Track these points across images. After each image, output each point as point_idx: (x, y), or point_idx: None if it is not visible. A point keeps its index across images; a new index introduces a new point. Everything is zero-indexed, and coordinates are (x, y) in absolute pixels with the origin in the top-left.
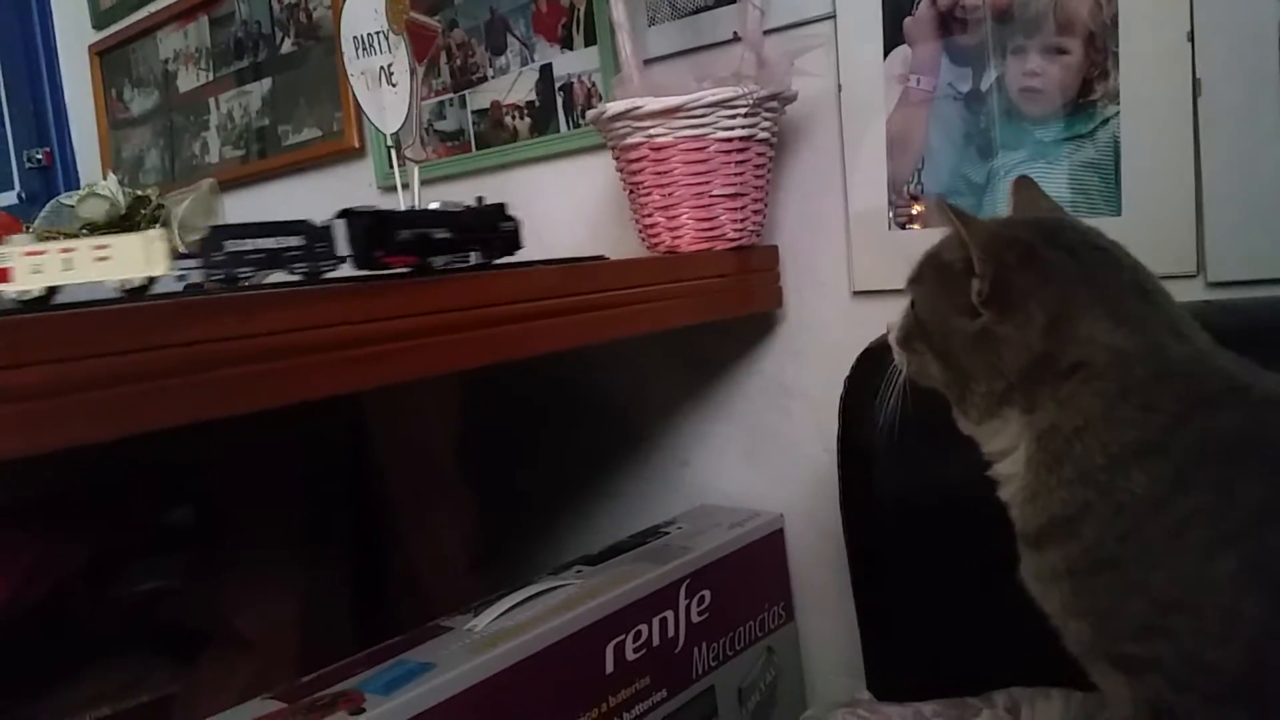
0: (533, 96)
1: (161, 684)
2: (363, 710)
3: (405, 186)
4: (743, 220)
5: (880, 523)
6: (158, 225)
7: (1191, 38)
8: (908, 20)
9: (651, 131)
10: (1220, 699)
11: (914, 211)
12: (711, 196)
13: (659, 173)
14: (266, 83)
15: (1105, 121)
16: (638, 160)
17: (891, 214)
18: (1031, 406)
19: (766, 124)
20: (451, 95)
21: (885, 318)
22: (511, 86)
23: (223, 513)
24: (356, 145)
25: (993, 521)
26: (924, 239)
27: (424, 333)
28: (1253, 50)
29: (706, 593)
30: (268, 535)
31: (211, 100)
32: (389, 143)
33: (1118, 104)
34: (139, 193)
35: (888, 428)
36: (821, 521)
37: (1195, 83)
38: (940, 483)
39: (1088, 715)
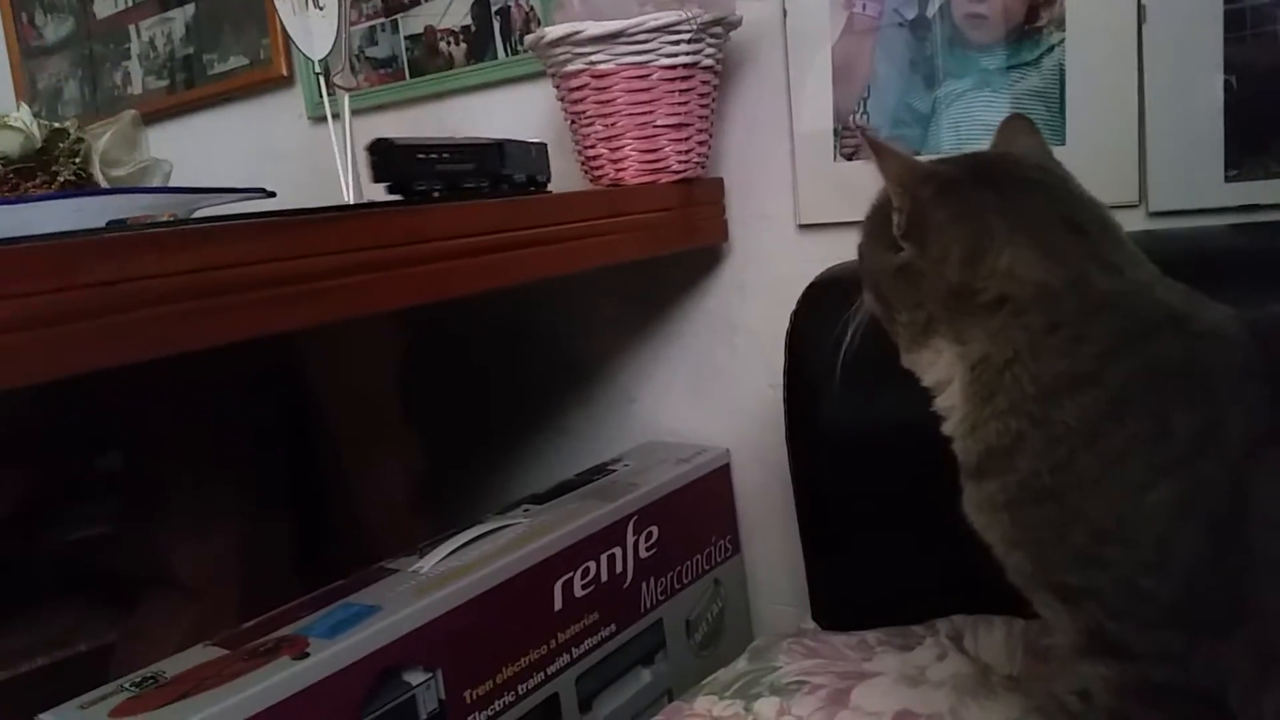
0: (468, 21)
1: (99, 632)
2: (306, 655)
3: (336, 117)
4: (687, 152)
5: (825, 456)
6: (76, 159)
7: None
8: None
9: (593, 58)
10: (1157, 624)
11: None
12: (655, 127)
13: (601, 102)
14: (190, 8)
15: (1050, 49)
16: (579, 89)
17: (837, 145)
18: (962, 338)
19: (711, 51)
20: (383, 20)
21: (830, 251)
22: (446, 10)
23: (159, 456)
24: (285, 74)
25: (934, 454)
26: (870, 171)
27: (356, 270)
28: None
29: (654, 528)
30: (205, 479)
31: (132, 27)
32: (317, 70)
33: (1063, 31)
34: (56, 125)
35: (849, 363)
36: (767, 455)
37: (1140, 9)
38: (884, 417)
39: (1029, 642)
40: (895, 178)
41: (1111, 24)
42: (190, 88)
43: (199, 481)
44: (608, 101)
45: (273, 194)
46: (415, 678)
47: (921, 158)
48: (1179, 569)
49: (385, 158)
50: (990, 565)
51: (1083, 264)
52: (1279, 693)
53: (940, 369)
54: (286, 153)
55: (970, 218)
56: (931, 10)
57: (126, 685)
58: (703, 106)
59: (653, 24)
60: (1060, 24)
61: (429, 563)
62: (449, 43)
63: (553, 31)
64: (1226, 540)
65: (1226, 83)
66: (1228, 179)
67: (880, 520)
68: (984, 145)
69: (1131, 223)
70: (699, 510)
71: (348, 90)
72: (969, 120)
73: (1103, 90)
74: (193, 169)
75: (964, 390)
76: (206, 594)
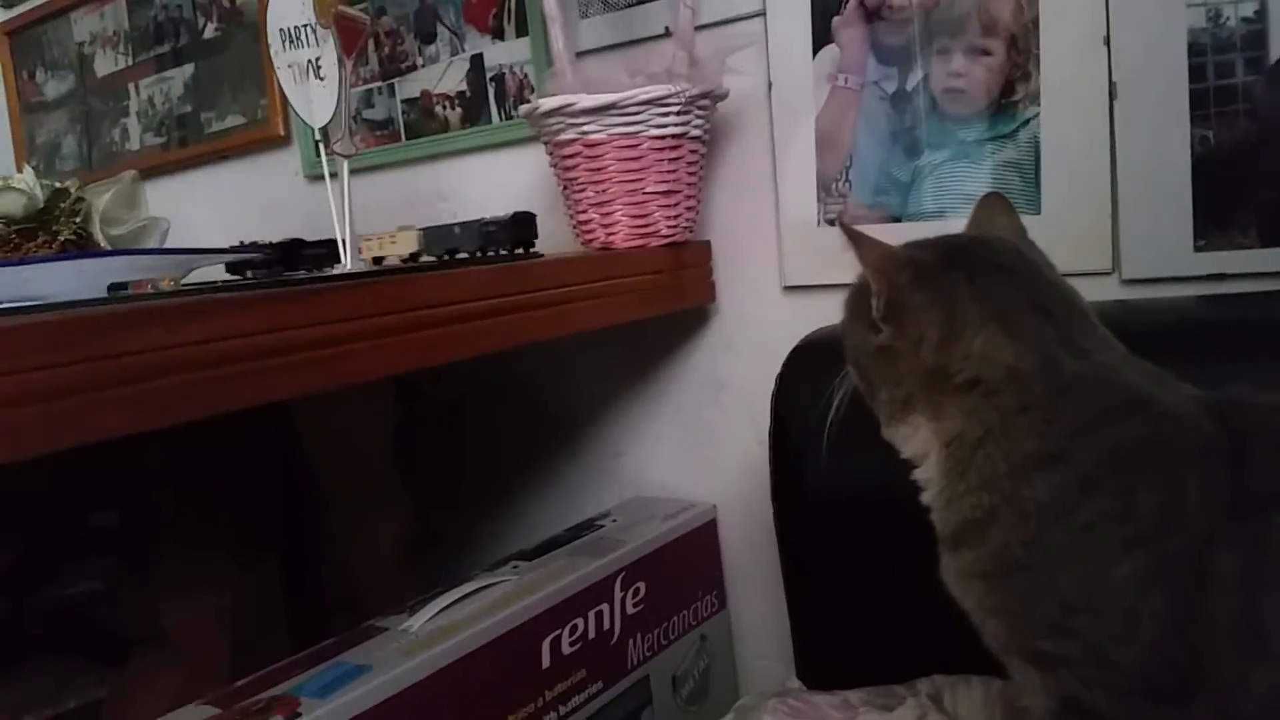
0: (463, 86)
1: (88, 689)
2: (298, 714)
3: (334, 176)
4: (676, 217)
5: (810, 516)
6: (77, 219)
7: (1108, 42)
8: (836, 19)
9: (585, 128)
10: (1125, 692)
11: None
12: (645, 194)
13: (593, 169)
14: (189, 68)
15: (1026, 122)
16: (571, 156)
17: (821, 211)
18: (938, 415)
19: (699, 122)
20: (380, 83)
21: (815, 312)
22: (442, 76)
23: (150, 514)
24: (282, 133)
25: (917, 517)
26: None
27: (353, 338)
28: (1164, 55)
29: (641, 584)
30: (196, 537)
31: (131, 85)
32: (317, 136)
33: (1038, 105)
34: (58, 185)
35: (836, 428)
36: (754, 511)
37: (1111, 85)
38: (869, 479)
39: (1007, 702)
40: (873, 265)
41: (1084, 100)
42: (186, 145)
43: (190, 539)
44: (599, 169)
45: (268, 254)
46: None
47: (901, 224)
48: (1145, 639)
49: (523, 228)
50: (969, 626)
51: (1051, 348)
52: None
53: (917, 443)
54: (282, 210)
55: (945, 303)
56: (912, 84)
57: None
58: (691, 174)
59: (643, 97)
60: (1035, 98)
61: (418, 621)
62: (444, 107)
63: (547, 103)
64: (1188, 612)
65: (1193, 158)
66: (1197, 249)
67: (864, 580)
68: (961, 214)
69: (1105, 290)
70: (686, 566)
71: (347, 156)
72: (948, 190)
73: (1076, 162)
74: (189, 226)
75: (940, 464)
76: (197, 652)
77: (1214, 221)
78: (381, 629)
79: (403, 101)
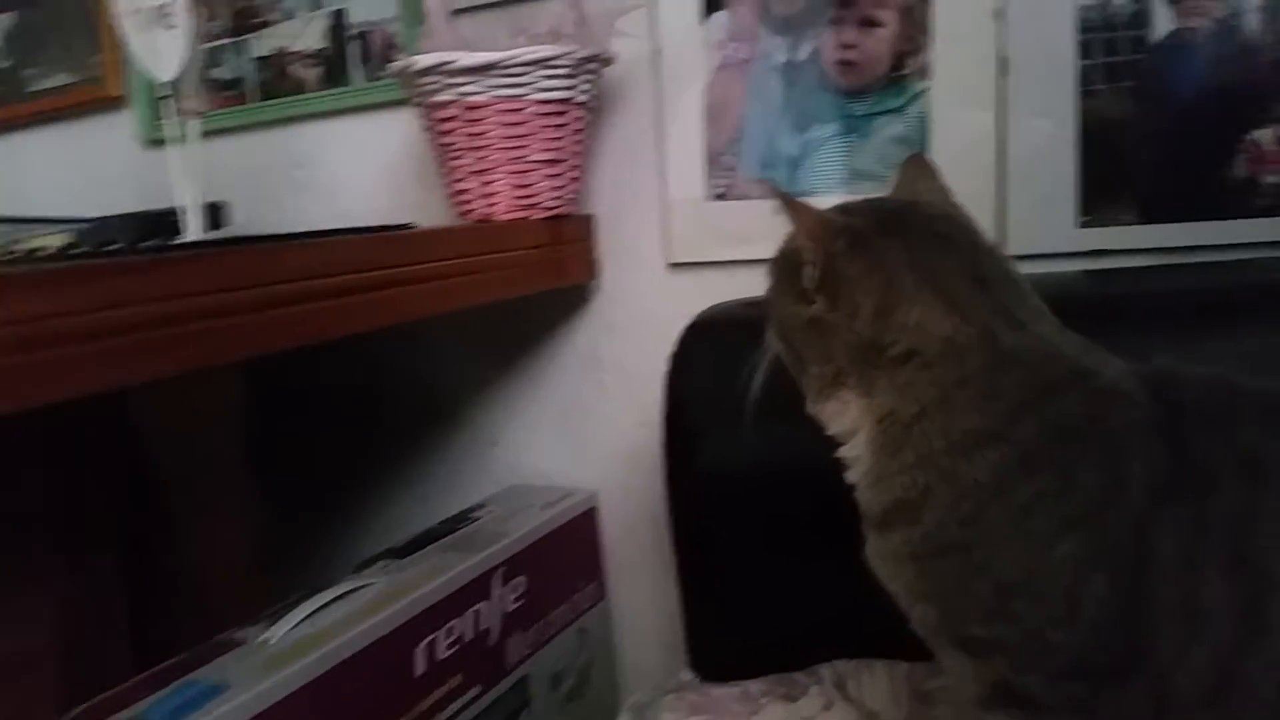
0: (324, 44)
1: None
2: None
3: (183, 139)
4: (561, 188)
5: (706, 499)
6: None
7: (1000, 16)
8: None
9: (465, 89)
10: (1061, 675)
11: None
12: (529, 162)
13: (472, 134)
14: (7, 18)
15: (915, 97)
16: (449, 120)
17: (708, 185)
18: (870, 391)
19: (586, 86)
20: (228, 40)
21: (701, 290)
22: (301, 33)
23: None
24: (117, 94)
25: (819, 499)
26: (740, 211)
27: (204, 315)
28: (1053, 32)
29: (522, 579)
30: (15, 544)
31: None
32: (166, 92)
33: (928, 80)
34: None
35: (752, 403)
36: (636, 497)
37: (1001, 61)
38: (766, 460)
39: (914, 685)
40: (807, 232)
41: (973, 75)
42: (3, 105)
43: (6, 547)
44: (479, 135)
45: (97, 224)
46: None
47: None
48: (1085, 620)
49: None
50: (870, 608)
51: (988, 319)
52: None
53: (847, 420)
54: (114, 179)
55: (881, 271)
56: (802, 55)
57: None
58: (576, 143)
59: (529, 57)
60: (925, 73)
61: (278, 632)
62: (301, 66)
63: (422, 60)
64: (1129, 591)
65: (1079, 135)
66: (1081, 225)
67: (761, 565)
68: (849, 190)
69: None
70: (566, 556)
71: (199, 114)
72: (836, 164)
73: (964, 138)
74: (5, 195)
75: (870, 442)
76: (20, 678)
77: (1098, 199)
78: (237, 642)
79: (254, 60)
